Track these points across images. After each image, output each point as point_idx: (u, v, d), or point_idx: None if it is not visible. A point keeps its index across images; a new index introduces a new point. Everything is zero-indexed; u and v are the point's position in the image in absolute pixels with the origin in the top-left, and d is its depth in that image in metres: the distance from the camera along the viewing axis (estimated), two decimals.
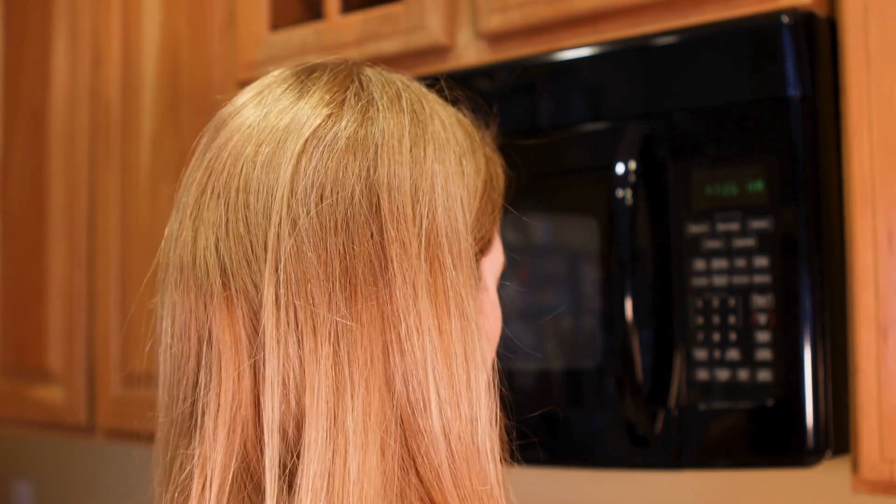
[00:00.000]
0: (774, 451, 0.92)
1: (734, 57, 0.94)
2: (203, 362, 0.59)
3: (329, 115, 0.60)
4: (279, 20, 1.32)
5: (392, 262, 0.57)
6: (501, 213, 0.71)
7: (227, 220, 0.58)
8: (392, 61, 1.19)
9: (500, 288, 0.71)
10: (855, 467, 0.90)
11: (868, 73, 0.90)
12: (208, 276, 0.58)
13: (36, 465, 2.26)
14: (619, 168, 0.96)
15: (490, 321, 0.68)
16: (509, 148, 0.74)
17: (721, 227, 0.94)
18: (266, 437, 0.56)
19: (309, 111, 0.60)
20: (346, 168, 0.58)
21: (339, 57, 0.67)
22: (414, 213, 0.59)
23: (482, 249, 0.67)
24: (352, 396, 0.55)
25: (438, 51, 1.16)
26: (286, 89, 0.63)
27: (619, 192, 0.96)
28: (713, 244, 0.94)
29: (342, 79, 0.63)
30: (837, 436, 0.91)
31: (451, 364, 0.58)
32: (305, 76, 0.64)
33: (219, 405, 0.57)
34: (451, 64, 1.15)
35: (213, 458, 0.57)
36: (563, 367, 1.04)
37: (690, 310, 0.95)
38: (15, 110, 1.82)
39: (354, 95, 0.62)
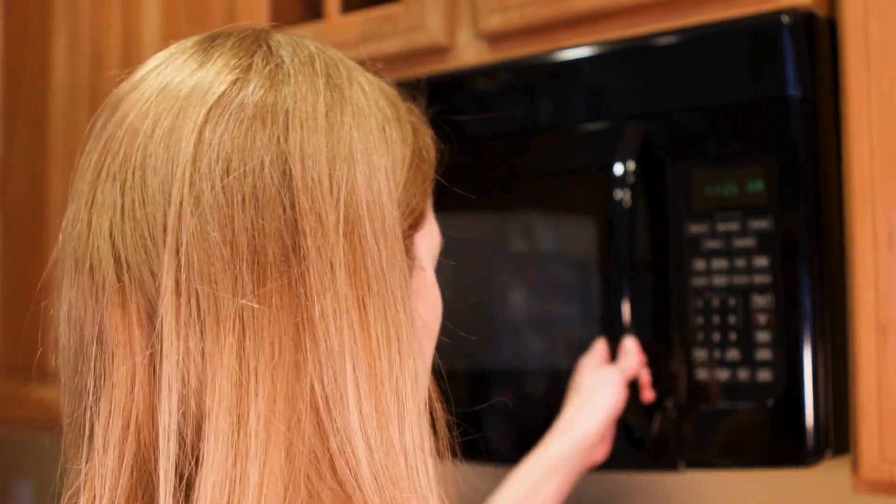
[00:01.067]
0: (774, 451, 0.92)
1: (734, 57, 0.94)
2: (94, 365, 0.52)
3: (235, 81, 0.55)
4: (279, 20, 1.32)
5: (306, 236, 0.52)
6: (433, 186, 0.65)
7: (123, 203, 0.53)
8: (392, 61, 1.19)
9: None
10: (855, 467, 0.90)
11: (868, 73, 0.90)
12: (101, 267, 0.52)
13: (36, 465, 2.26)
14: (618, 168, 0.96)
15: (427, 304, 0.62)
16: (440, 120, 0.70)
17: (721, 227, 0.94)
18: (161, 443, 0.50)
19: (212, 78, 0.55)
20: (255, 137, 0.53)
21: (247, 24, 0.62)
22: (331, 184, 0.53)
23: (414, 224, 0.61)
24: (255, 393, 0.50)
25: (438, 51, 1.16)
26: (188, 58, 0.57)
27: (618, 193, 0.96)
28: (713, 244, 0.94)
29: (249, 43, 0.58)
30: (837, 436, 0.91)
31: (371, 349, 0.53)
32: (209, 43, 0.58)
33: (110, 412, 0.51)
34: (451, 64, 1.15)
35: (103, 472, 0.51)
36: (563, 367, 1.04)
37: (690, 310, 0.95)
38: (15, 110, 1.82)
39: (262, 59, 0.56)
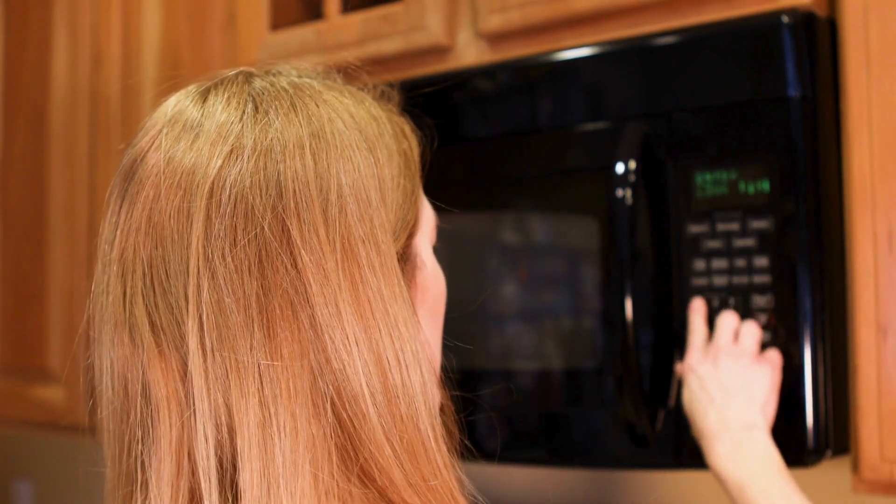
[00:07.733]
0: None
1: (734, 57, 0.94)
2: (141, 417, 0.59)
3: (230, 153, 0.60)
4: (279, 20, 1.32)
5: (310, 285, 0.57)
6: (422, 178, 0.70)
7: (152, 276, 0.59)
8: (392, 61, 1.19)
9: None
10: (855, 467, 0.90)
11: (868, 73, 0.90)
12: (140, 331, 0.59)
13: (36, 465, 2.26)
14: (619, 168, 0.96)
15: (433, 292, 0.68)
16: (416, 109, 0.72)
17: (721, 227, 0.94)
18: (203, 485, 0.56)
19: (207, 152, 0.60)
20: (254, 206, 0.58)
21: (233, 71, 0.66)
22: (327, 233, 0.58)
23: (411, 233, 0.66)
24: (279, 432, 0.56)
25: (438, 51, 1.16)
26: (184, 126, 0.62)
27: (619, 192, 0.96)
28: (713, 244, 0.94)
29: (236, 104, 0.62)
30: (837, 436, 0.91)
31: (384, 372, 0.58)
32: (200, 104, 0.63)
33: (161, 460, 0.58)
34: (451, 64, 1.15)
35: None
36: (563, 367, 1.04)
37: None
38: (15, 110, 1.82)
39: (251, 121, 0.61)
